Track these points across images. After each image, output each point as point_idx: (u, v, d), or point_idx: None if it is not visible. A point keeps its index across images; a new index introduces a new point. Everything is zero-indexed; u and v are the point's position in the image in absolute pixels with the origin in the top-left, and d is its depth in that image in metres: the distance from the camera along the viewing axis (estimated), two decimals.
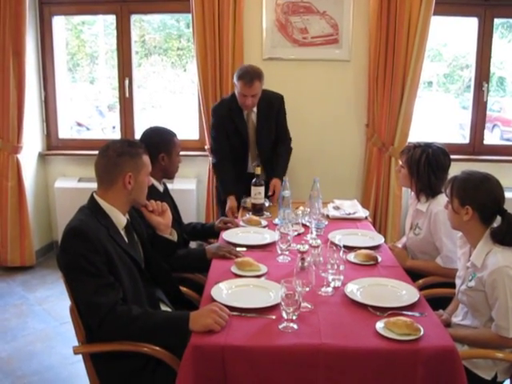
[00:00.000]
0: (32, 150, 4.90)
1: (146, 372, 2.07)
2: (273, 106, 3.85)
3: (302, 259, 2.36)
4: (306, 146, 4.76)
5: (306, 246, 2.47)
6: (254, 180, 3.42)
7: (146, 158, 2.27)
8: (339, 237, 2.83)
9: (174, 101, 6.57)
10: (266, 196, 3.58)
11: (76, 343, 2.14)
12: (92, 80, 6.26)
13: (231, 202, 3.71)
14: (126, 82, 4.91)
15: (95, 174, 2.21)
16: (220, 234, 3.02)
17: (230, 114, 3.79)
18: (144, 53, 5.90)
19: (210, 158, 4.40)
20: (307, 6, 4.56)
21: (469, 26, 4.84)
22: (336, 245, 2.33)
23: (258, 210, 3.43)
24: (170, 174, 2.97)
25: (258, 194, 3.41)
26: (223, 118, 3.82)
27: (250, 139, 3.86)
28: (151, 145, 2.76)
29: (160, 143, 2.88)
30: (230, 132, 3.82)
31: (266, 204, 3.51)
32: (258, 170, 3.43)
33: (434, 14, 4.34)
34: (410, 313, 2.04)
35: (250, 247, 2.79)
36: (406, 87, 4.46)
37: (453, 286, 2.47)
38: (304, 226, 3.02)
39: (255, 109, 3.80)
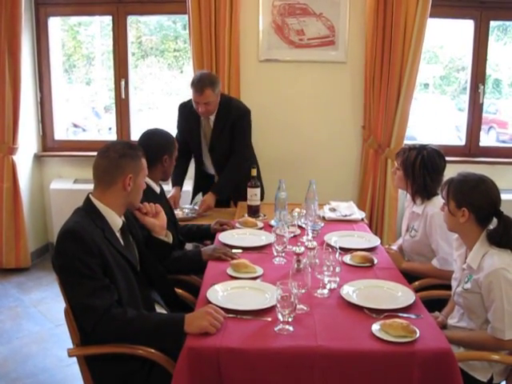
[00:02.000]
0: (28, 151, 4.88)
1: (141, 374, 2.07)
2: (230, 116, 3.73)
3: (298, 261, 2.34)
4: (302, 148, 4.77)
5: (302, 248, 2.47)
6: (249, 182, 3.42)
7: (144, 162, 2.28)
8: (335, 238, 2.83)
9: (170, 102, 6.56)
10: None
11: (71, 345, 2.13)
12: (88, 81, 6.24)
13: (175, 191, 3.79)
14: (122, 83, 4.90)
15: (93, 175, 2.20)
16: (216, 236, 3.01)
17: (190, 114, 3.79)
18: (140, 54, 5.88)
19: None
20: (303, 7, 4.56)
21: (465, 28, 4.85)
22: (332, 247, 2.33)
23: (253, 211, 3.42)
24: (167, 176, 2.97)
25: (254, 195, 3.41)
26: (183, 117, 3.87)
27: (203, 145, 3.86)
28: (156, 147, 2.77)
29: (165, 145, 2.88)
30: (185, 132, 3.86)
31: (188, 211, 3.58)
32: (254, 172, 3.42)
33: (430, 16, 4.35)
34: (405, 315, 2.04)
35: (245, 249, 2.78)
36: (403, 89, 4.47)
37: (449, 287, 2.47)
38: (300, 227, 3.01)
39: (212, 116, 3.75)
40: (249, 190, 3.41)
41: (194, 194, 4.17)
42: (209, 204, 3.63)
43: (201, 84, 3.54)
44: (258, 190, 3.43)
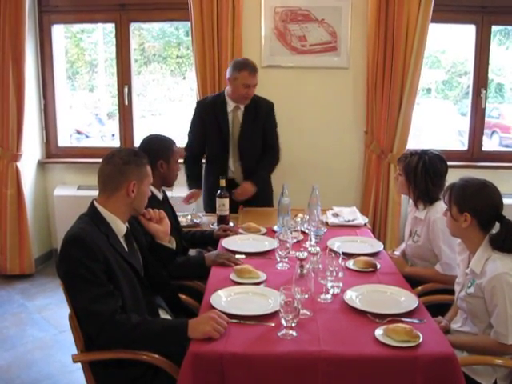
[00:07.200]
0: (31, 157, 4.90)
1: (145, 380, 2.07)
2: (261, 109, 3.80)
3: (301, 266, 2.34)
4: (305, 153, 4.78)
5: (305, 253, 2.46)
6: (218, 192, 3.35)
7: (149, 169, 2.30)
8: (338, 244, 2.83)
9: (173, 109, 6.58)
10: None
11: (75, 351, 2.14)
12: (91, 88, 6.27)
13: (194, 190, 3.79)
14: (125, 89, 4.93)
15: (98, 181, 2.22)
16: (219, 242, 3.02)
17: (214, 108, 3.77)
18: (143, 61, 5.90)
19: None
20: (305, 13, 4.58)
21: (467, 33, 4.86)
22: (335, 252, 2.33)
23: (223, 221, 3.37)
24: (168, 182, 2.97)
25: (222, 205, 3.35)
26: (205, 113, 3.79)
27: (231, 138, 3.79)
28: (150, 151, 2.76)
29: (159, 150, 2.88)
30: (210, 128, 3.78)
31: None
32: (223, 183, 3.36)
33: (432, 21, 4.36)
34: (409, 319, 2.04)
35: (249, 254, 2.79)
36: (405, 94, 4.48)
37: (452, 292, 2.47)
38: (303, 233, 3.02)
39: (242, 107, 3.76)
40: (218, 200, 3.35)
41: (206, 203, 3.97)
42: (249, 190, 3.66)
43: (253, 65, 3.62)
44: (227, 201, 3.36)
